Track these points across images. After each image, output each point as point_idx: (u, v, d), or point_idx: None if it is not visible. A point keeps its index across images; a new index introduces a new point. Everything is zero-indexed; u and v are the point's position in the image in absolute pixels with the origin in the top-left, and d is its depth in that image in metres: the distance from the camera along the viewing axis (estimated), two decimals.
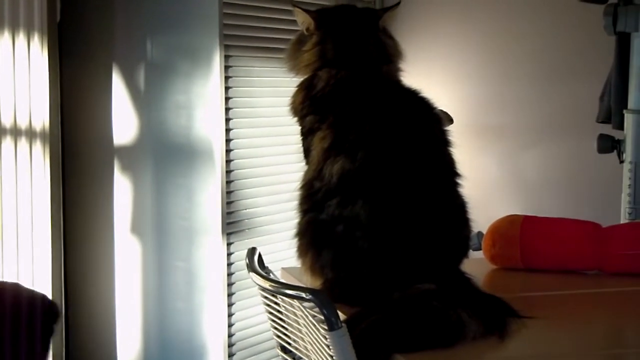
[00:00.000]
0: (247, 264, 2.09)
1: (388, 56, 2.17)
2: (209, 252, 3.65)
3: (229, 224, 3.69)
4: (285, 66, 2.21)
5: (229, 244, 3.70)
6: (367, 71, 2.12)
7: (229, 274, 3.68)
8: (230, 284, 3.69)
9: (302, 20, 2.14)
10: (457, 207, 2.03)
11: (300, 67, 2.15)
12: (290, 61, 2.18)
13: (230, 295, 3.70)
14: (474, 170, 4.02)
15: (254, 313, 3.78)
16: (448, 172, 2.03)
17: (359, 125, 1.96)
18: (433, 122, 2.06)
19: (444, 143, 2.05)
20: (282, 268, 2.31)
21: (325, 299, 1.69)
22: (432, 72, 4.28)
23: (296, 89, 2.16)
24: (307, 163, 2.08)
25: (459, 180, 2.05)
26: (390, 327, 1.72)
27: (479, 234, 2.47)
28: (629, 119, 3.08)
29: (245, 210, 3.82)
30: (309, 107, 2.08)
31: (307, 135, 2.09)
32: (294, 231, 2.06)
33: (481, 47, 4.17)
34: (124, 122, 3.77)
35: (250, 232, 3.85)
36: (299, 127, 2.15)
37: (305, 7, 2.20)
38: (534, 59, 3.98)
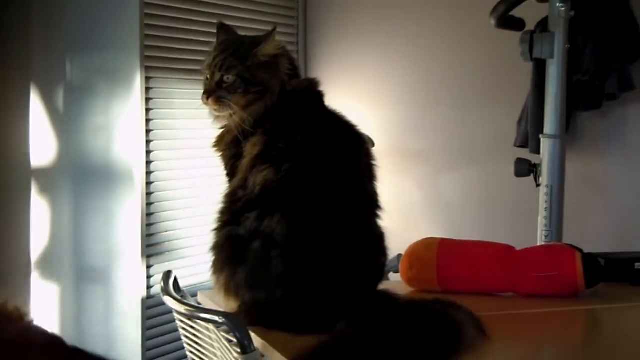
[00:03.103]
0: (162, 288, 2.07)
1: None
2: (128, 275, 3.61)
3: (148, 246, 3.67)
4: (273, 91, 2.09)
5: (148, 267, 3.67)
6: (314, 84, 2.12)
7: (149, 297, 3.65)
8: (149, 307, 3.65)
9: (277, 44, 2.09)
10: (375, 236, 2.02)
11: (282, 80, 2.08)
12: (275, 80, 2.09)
13: (149, 318, 3.66)
14: (394, 193, 4.08)
15: (173, 338, 3.75)
16: (369, 202, 2.02)
17: (291, 135, 1.94)
18: (363, 155, 2.04)
19: (369, 177, 2.04)
20: (200, 292, 2.29)
21: (238, 323, 1.68)
22: (354, 96, 4.31)
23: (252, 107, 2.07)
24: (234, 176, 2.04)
25: (379, 213, 2.04)
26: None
27: (399, 256, 2.47)
28: (545, 143, 3.13)
29: (165, 233, 3.79)
30: (263, 120, 2.02)
31: (239, 157, 2.02)
32: (210, 244, 1.99)
33: (402, 72, 4.22)
34: (42, 144, 3.72)
35: (170, 254, 3.82)
36: (232, 153, 2.09)
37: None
38: (454, 84, 4.04)
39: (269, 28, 2.08)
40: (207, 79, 2.05)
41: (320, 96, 2.10)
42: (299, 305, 1.85)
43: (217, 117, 2.08)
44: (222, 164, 2.09)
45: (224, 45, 2.08)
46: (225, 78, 2.01)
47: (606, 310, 2.21)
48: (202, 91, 2.04)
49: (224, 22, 2.18)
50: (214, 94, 2.01)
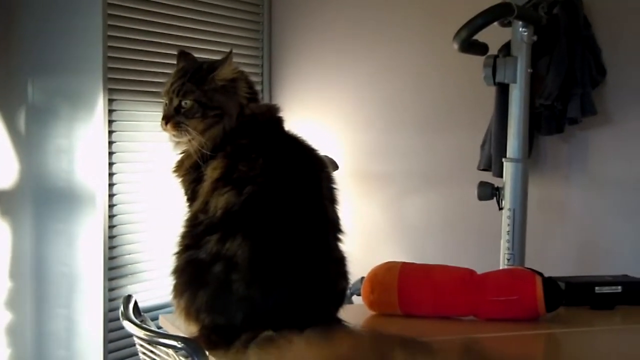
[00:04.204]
0: (121, 312, 2.05)
1: None
2: (90, 298, 3.59)
3: (111, 268, 3.64)
4: (231, 114, 2.08)
5: (110, 289, 3.64)
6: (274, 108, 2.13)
7: (110, 320, 3.62)
8: (111, 331, 3.62)
9: (233, 67, 2.10)
10: (336, 260, 2.02)
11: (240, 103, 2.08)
12: (232, 103, 2.09)
13: (111, 341, 3.63)
14: (359, 216, 4.08)
15: None
16: (330, 226, 2.02)
17: (253, 158, 1.93)
18: (324, 179, 2.05)
19: (331, 200, 2.04)
20: (162, 315, 2.28)
21: (197, 347, 1.67)
22: (318, 119, 4.32)
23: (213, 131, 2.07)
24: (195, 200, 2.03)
25: (340, 236, 2.04)
26: None
27: (362, 279, 2.47)
28: (507, 167, 3.15)
29: (128, 255, 3.77)
30: (223, 144, 2.02)
31: (199, 181, 2.03)
32: (171, 268, 1.98)
33: (366, 95, 4.23)
34: (3, 166, 3.69)
35: (133, 276, 3.80)
36: (193, 177, 2.09)
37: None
38: (418, 108, 4.05)
39: (234, 51, 2.08)
40: (166, 104, 2.05)
41: (280, 121, 2.11)
42: (259, 329, 1.84)
43: (177, 143, 2.08)
44: (182, 189, 2.09)
45: (182, 72, 2.09)
46: (183, 103, 2.02)
47: (566, 335, 2.22)
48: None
49: (184, 50, 2.19)
50: (172, 119, 2.02)
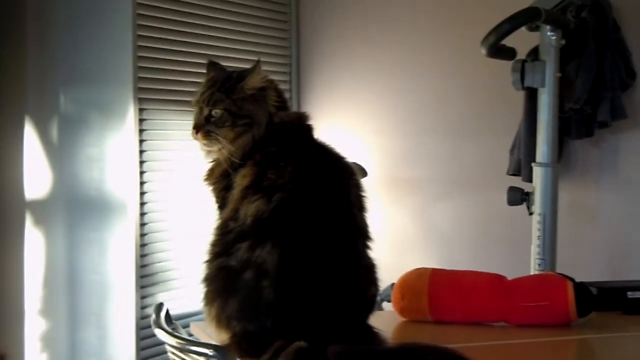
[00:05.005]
0: (153, 320, 2.06)
1: None
2: (122, 305, 3.61)
3: (142, 276, 3.66)
4: (260, 123, 2.11)
5: (142, 297, 3.66)
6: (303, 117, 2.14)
7: (142, 328, 3.64)
8: (142, 338, 3.64)
9: (262, 76, 2.11)
10: (365, 267, 2.02)
11: (269, 112, 2.09)
12: (261, 112, 2.11)
13: (142, 349, 3.65)
14: (388, 222, 4.08)
15: None
16: (360, 233, 2.02)
17: (281, 166, 1.94)
18: (353, 186, 2.05)
19: (359, 208, 2.05)
20: (193, 323, 2.29)
21: (228, 355, 1.68)
22: (347, 125, 4.32)
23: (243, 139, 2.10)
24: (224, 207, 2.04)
25: (369, 243, 2.04)
26: None
27: (393, 285, 2.47)
28: (537, 171, 3.14)
29: (159, 263, 3.79)
30: (252, 152, 2.04)
31: (229, 189, 2.04)
32: (202, 275, 1.97)
33: (395, 101, 4.23)
34: (36, 176, 3.72)
35: (164, 284, 3.82)
36: (223, 185, 2.10)
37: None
38: (447, 113, 4.05)
39: (262, 59, 2.09)
40: (197, 114, 2.07)
41: (309, 129, 2.11)
42: (289, 336, 1.84)
43: (207, 152, 2.10)
44: (214, 197, 2.10)
45: (211, 81, 2.10)
46: (213, 112, 2.03)
47: (598, 340, 2.20)
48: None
49: (213, 60, 2.20)
50: (203, 128, 2.04)
